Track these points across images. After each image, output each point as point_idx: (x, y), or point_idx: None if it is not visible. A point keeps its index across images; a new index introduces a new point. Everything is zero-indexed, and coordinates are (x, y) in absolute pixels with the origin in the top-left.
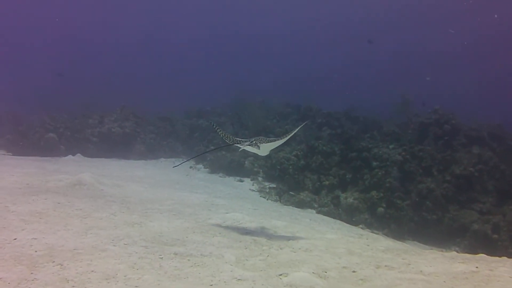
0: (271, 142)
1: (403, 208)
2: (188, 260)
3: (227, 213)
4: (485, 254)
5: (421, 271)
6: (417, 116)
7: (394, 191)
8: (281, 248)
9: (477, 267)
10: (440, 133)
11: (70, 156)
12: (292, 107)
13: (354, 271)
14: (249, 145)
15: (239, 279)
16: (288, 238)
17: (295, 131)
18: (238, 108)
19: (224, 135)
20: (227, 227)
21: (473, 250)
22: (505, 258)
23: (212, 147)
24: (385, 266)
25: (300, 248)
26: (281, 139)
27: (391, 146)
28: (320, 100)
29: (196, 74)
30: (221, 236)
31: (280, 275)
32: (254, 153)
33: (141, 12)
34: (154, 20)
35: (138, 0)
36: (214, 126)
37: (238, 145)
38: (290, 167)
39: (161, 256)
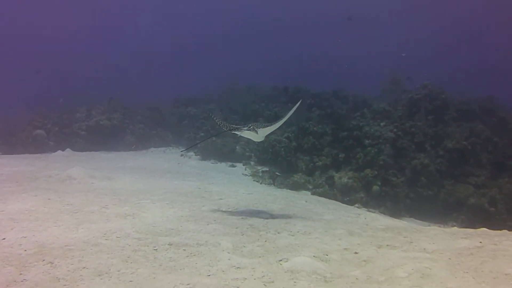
0: (268, 126)
1: (398, 185)
2: (184, 250)
3: (221, 199)
4: (481, 227)
5: (424, 248)
6: (407, 92)
7: (388, 169)
8: (278, 233)
9: (480, 242)
10: (431, 108)
11: (59, 152)
12: (280, 89)
13: (356, 253)
14: (248, 130)
15: (237, 267)
16: (286, 222)
17: (290, 114)
18: (226, 94)
19: (221, 123)
20: (222, 214)
21: (470, 224)
22: (506, 231)
23: (202, 134)
24: (387, 245)
25: (298, 232)
26: (277, 123)
27: (382, 124)
28: (309, 81)
29: (185, 63)
30: (216, 223)
31: (280, 260)
32: (247, 138)
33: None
34: (140, 8)
35: None
36: (211, 116)
37: (236, 132)
38: (282, 149)
39: (155, 248)
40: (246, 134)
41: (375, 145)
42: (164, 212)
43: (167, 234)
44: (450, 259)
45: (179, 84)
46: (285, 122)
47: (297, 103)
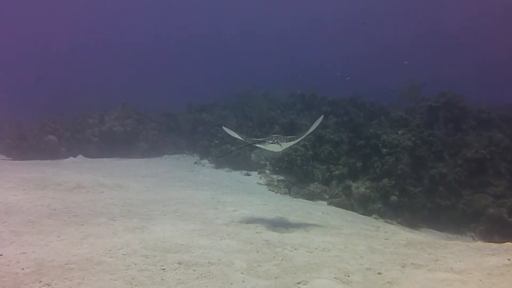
0: (290, 141)
1: (416, 195)
2: (194, 270)
3: (235, 210)
4: (500, 238)
5: (451, 268)
6: (425, 100)
7: (406, 178)
8: (295, 249)
9: (509, 259)
10: (450, 117)
11: (71, 158)
12: (296, 96)
13: (379, 273)
14: (272, 143)
15: None
16: (303, 236)
17: (312, 128)
18: (241, 101)
19: (244, 138)
20: (236, 227)
21: (489, 235)
22: None
23: (217, 141)
24: (411, 264)
25: (316, 248)
26: (300, 137)
27: (400, 132)
28: (325, 89)
29: (200, 70)
30: (230, 239)
31: (299, 283)
32: (265, 149)
33: (143, 10)
34: (157, 18)
35: None
36: (231, 134)
37: (259, 145)
38: (298, 158)
39: (163, 267)
40: (269, 147)
41: (392, 153)
42: (174, 225)
43: (177, 251)
44: (480, 280)
45: (194, 90)
46: (300, 129)
47: (313, 110)
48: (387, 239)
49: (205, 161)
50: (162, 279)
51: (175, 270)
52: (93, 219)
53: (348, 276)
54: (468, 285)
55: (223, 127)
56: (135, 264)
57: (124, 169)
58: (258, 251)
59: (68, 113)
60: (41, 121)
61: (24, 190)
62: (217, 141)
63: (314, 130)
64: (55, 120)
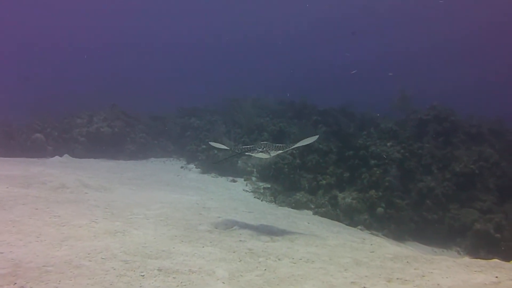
0: (280, 150)
1: (403, 208)
2: (174, 278)
3: (219, 217)
4: (486, 253)
5: (438, 284)
6: (415, 113)
7: (393, 190)
8: (279, 259)
9: (497, 277)
10: (440, 130)
11: (57, 157)
12: (286, 104)
13: (364, 287)
14: (262, 152)
15: None
16: (287, 246)
17: (304, 143)
18: (231, 106)
19: (232, 146)
20: (219, 235)
21: (475, 250)
22: None
23: (204, 146)
24: (397, 279)
25: (301, 259)
26: (289, 147)
27: (389, 144)
28: (315, 97)
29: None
30: (213, 246)
31: None
32: (253, 156)
33: (133, 12)
34: (146, 20)
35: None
36: (219, 145)
37: (249, 153)
38: (286, 166)
39: (142, 274)
40: (259, 155)
41: (381, 165)
42: (157, 230)
43: (158, 257)
44: None
45: (184, 94)
46: (289, 137)
47: (303, 118)
48: (373, 251)
49: (191, 165)
50: (140, 286)
51: (154, 277)
52: (74, 220)
53: None
54: None
55: (210, 142)
56: (114, 269)
57: (110, 171)
58: (240, 260)
59: (57, 113)
60: (29, 120)
61: (7, 188)
62: (204, 146)
63: (303, 137)
64: (43, 119)
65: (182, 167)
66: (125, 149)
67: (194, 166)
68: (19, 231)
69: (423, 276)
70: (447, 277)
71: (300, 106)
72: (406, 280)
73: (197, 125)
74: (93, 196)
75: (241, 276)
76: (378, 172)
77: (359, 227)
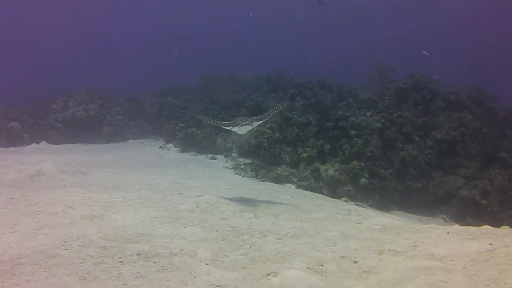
0: (260, 120)
1: (386, 177)
2: (154, 262)
3: (200, 196)
4: (473, 219)
5: (432, 254)
6: (393, 82)
7: (375, 160)
8: (264, 236)
9: (491, 244)
10: (419, 98)
11: (34, 145)
12: (262, 79)
13: (355, 262)
14: (246, 125)
15: (217, 286)
16: (271, 222)
17: (277, 111)
18: (207, 84)
19: (210, 121)
20: (200, 214)
21: (462, 217)
22: (508, 228)
23: (182, 125)
24: (389, 250)
25: (286, 235)
26: (268, 115)
27: (368, 114)
28: (292, 71)
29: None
30: (194, 226)
31: (268, 274)
32: (229, 130)
33: None
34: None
35: None
36: (200, 118)
37: (233, 128)
38: (265, 140)
39: (121, 260)
40: (243, 129)
41: (361, 135)
42: (136, 213)
43: (137, 241)
44: (465, 268)
45: (161, 75)
46: (267, 111)
47: (280, 92)
48: (360, 223)
49: (170, 145)
50: (119, 273)
51: (133, 263)
52: (50, 207)
53: (322, 266)
54: (453, 274)
55: (196, 116)
56: (91, 257)
57: (88, 155)
58: (224, 239)
59: (31, 99)
60: (3, 108)
61: None
62: (182, 125)
63: (280, 111)
64: (17, 106)
65: (160, 147)
66: (102, 132)
67: (173, 146)
68: None
69: (415, 246)
70: (440, 247)
71: (276, 80)
72: (398, 252)
73: (173, 104)
74: (70, 181)
75: (225, 256)
76: (359, 142)
77: (343, 198)
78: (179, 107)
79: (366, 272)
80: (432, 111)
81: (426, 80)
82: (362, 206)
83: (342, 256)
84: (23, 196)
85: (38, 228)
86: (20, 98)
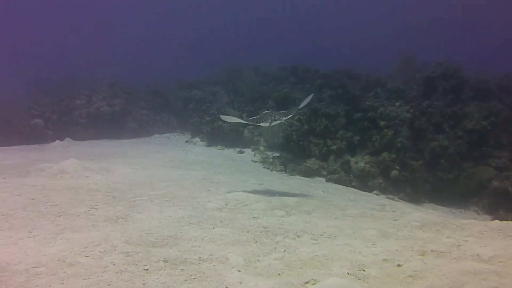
0: (287, 115)
1: (417, 169)
2: (182, 270)
3: (228, 192)
4: (505, 212)
5: (478, 255)
6: (421, 71)
7: (406, 151)
8: (298, 237)
9: None
10: (448, 87)
11: (57, 142)
12: (288, 70)
13: (399, 265)
14: (276, 120)
15: None
16: (305, 221)
17: (305, 103)
18: (232, 76)
19: (245, 120)
20: (230, 212)
21: (494, 209)
22: None
23: (208, 118)
24: (432, 251)
25: (322, 235)
26: (293, 111)
27: (397, 104)
28: (318, 61)
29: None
30: (223, 227)
31: (306, 283)
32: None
33: None
34: None
35: None
36: (226, 119)
37: (263, 123)
38: (294, 133)
39: (145, 267)
40: (274, 123)
41: (391, 126)
42: (162, 213)
43: (163, 244)
44: None
45: (183, 67)
46: (294, 103)
47: (306, 83)
48: (396, 219)
49: (196, 139)
50: (143, 284)
51: (159, 271)
52: (72, 208)
53: (363, 270)
54: (506, 278)
55: (221, 116)
56: (114, 265)
57: (112, 151)
58: (256, 242)
59: (55, 95)
60: (26, 105)
61: (4, 178)
62: (208, 118)
63: (306, 104)
64: (41, 102)
65: (187, 142)
66: (127, 127)
67: (199, 140)
68: (10, 227)
69: (459, 245)
70: (484, 246)
71: (302, 71)
72: (441, 252)
73: (199, 97)
74: (94, 179)
75: (258, 261)
76: (389, 133)
77: (374, 192)
78: (205, 100)
79: (411, 277)
80: (461, 100)
81: (455, 69)
82: (393, 200)
83: (384, 259)
84: (44, 197)
85: (58, 232)
86: (43, 95)
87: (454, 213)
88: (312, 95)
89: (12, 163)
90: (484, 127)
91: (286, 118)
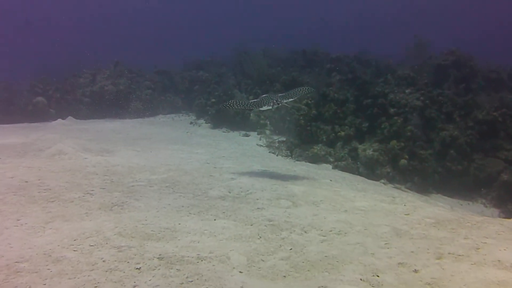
0: (289, 98)
1: (427, 158)
2: (178, 270)
3: (232, 179)
4: None
5: (499, 260)
6: (432, 58)
7: (416, 140)
8: (306, 232)
9: None
10: (459, 76)
11: (59, 120)
12: (297, 52)
13: (415, 270)
14: (277, 105)
15: None
16: (312, 213)
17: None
18: (240, 58)
19: (238, 104)
20: (233, 201)
21: (501, 202)
22: None
23: (214, 100)
24: (449, 254)
25: (331, 231)
26: (294, 96)
27: (407, 91)
28: (327, 44)
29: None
30: (226, 218)
31: None
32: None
33: None
34: None
35: None
36: (227, 105)
37: (264, 107)
38: (301, 117)
39: (138, 266)
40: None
41: (401, 114)
42: (161, 200)
43: (160, 238)
44: None
45: (190, 47)
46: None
47: (315, 67)
48: (408, 214)
49: (201, 121)
50: (134, 287)
51: (153, 270)
52: (67, 193)
53: (378, 276)
54: None
55: (224, 105)
56: (104, 262)
57: (115, 131)
58: (260, 237)
59: (58, 73)
60: (29, 83)
61: (0, 159)
62: (214, 100)
63: (317, 86)
64: (44, 80)
65: (191, 123)
66: (131, 107)
67: (204, 121)
68: None
69: (477, 248)
70: (504, 249)
71: (311, 54)
72: (460, 256)
73: (205, 78)
74: (93, 161)
75: (262, 261)
76: (399, 121)
77: (382, 180)
78: (211, 81)
79: (429, 284)
80: (473, 90)
81: (466, 57)
82: (401, 189)
83: (399, 263)
84: (39, 180)
85: (48, 221)
86: (46, 73)
87: (461, 205)
88: (307, 88)
89: (11, 142)
90: (495, 118)
91: (288, 101)
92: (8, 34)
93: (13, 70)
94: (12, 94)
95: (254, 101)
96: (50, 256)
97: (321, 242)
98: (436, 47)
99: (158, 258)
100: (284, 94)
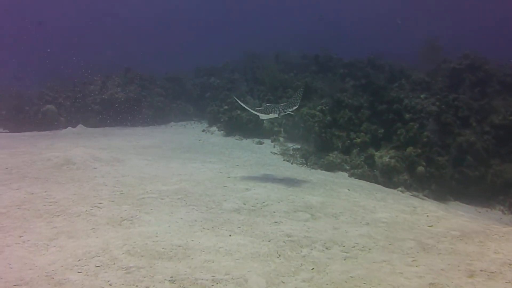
0: (293, 106)
1: (444, 165)
2: None
3: (247, 189)
4: None
5: None
6: (447, 62)
7: (432, 146)
8: (327, 248)
9: None
10: (474, 80)
11: (69, 128)
12: (310, 58)
13: None
14: (283, 113)
15: None
16: (333, 227)
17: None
18: (251, 64)
19: (251, 107)
20: (249, 214)
21: None
22: None
23: (226, 107)
24: (481, 271)
25: (354, 247)
26: (295, 103)
27: (422, 96)
28: (340, 49)
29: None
30: (242, 234)
31: None
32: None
33: None
34: None
35: None
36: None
37: (272, 114)
38: (316, 124)
39: None
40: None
41: (416, 119)
42: (172, 214)
43: (171, 256)
44: None
45: (201, 53)
46: (316, 93)
47: (328, 72)
48: (432, 226)
49: (214, 128)
50: None
51: None
52: (73, 206)
53: None
54: None
55: (236, 98)
56: (110, 285)
57: (125, 139)
58: (279, 255)
59: (68, 80)
60: (38, 91)
61: (7, 168)
62: (226, 107)
63: (331, 92)
64: (54, 88)
65: (203, 131)
66: (142, 115)
67: (217, 129)
68: (0, 229)
69: (510, 264)
70: None
71: (324, 59)
72: (493, 273)
73: (217, 85)
74: (102, 171)
75: (283, 282)
76: (415, 127)
77: (399, 188)
78: (223, 88)
79: None
80: (488, 94)
81: (481, 61)
82: (419, 197)
83: (430, 283)
84: (45, 192)
85: (52, 238)
86: (56, 78)
87: (479, 212)
88: (300, 90)
89: (18, 151)
90: None
91: (292, 109)
92: (18, 39)
93: (23, 76)
94: (22, 101)
95: (259, 109)
96: (52, 278)
97: (345, 260)
98: (443, 43)
99: (169, 280)
100: (285, 103)
